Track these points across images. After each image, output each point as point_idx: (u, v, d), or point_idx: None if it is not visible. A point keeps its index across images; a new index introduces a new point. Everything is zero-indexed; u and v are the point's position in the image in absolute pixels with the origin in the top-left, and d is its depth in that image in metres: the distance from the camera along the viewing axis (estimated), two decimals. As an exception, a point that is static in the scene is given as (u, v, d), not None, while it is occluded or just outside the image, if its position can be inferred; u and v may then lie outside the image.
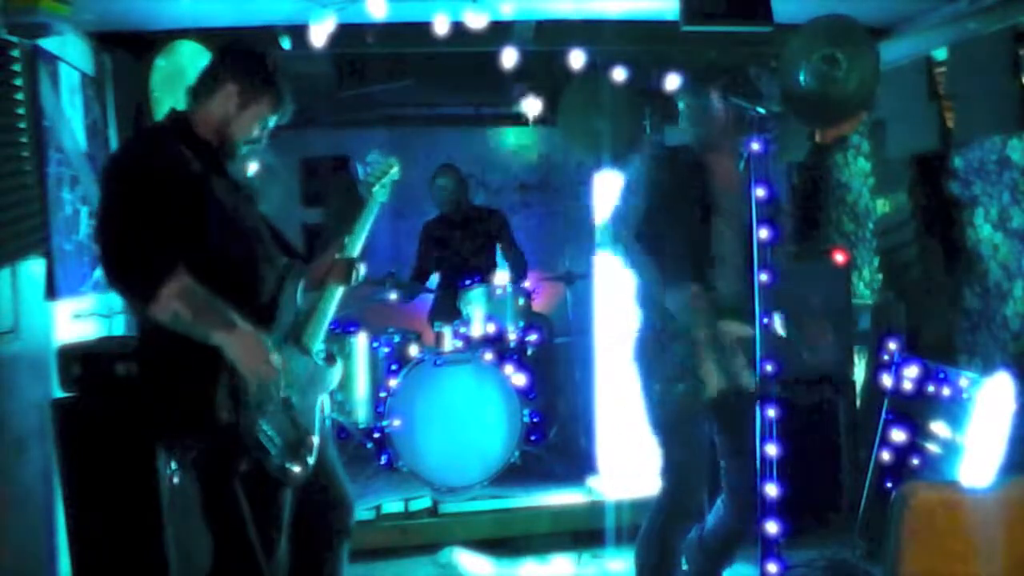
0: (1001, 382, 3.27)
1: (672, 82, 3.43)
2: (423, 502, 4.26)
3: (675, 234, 2.85)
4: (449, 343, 4.61)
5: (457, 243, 5.43)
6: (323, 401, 2.59)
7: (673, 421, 2.87)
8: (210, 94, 2.43)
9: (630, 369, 3.00)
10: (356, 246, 2.72)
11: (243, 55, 2.48)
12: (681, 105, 3.04)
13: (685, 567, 3.09)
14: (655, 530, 2.93)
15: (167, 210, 2.22)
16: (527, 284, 5.15)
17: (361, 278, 2.72)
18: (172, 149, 2.32)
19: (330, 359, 2.60)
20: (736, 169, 2.95)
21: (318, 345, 2.56)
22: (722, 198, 2.89)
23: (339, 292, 2.67)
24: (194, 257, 2.23)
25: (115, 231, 2.25)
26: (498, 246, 5.51)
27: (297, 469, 2.34)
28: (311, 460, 2.39)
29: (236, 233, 2.36)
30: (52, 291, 3.35)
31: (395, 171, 2.86)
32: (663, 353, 2.86)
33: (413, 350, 4.76)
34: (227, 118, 2.43)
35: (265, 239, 2.47)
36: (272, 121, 2.50)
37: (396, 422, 4.34)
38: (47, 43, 3.35)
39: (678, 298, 2.79)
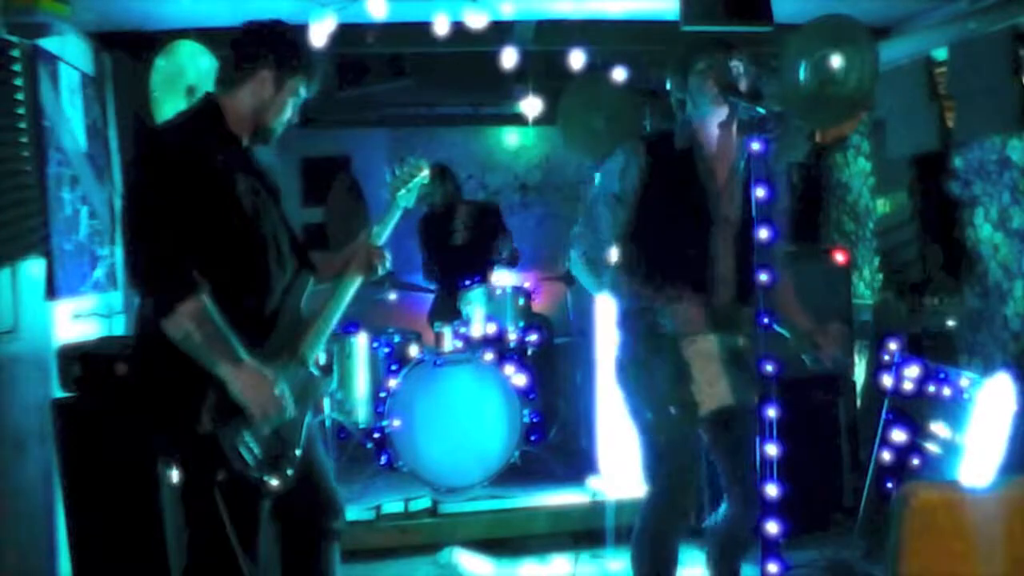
0: (1001, 382, 3.27)
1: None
2: (423, 502, 4.26)
3: (662, 241, 2.74)
4: (449, 343, 4.61)
5: (447, 236, 5.44)
6: (312, 408, 2.53)
7: (665, 436, 2.78)
8: (240, 83, 2.34)
9: (616, 392, 2.90)
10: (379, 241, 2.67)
11: (269, 38, 2.37)
12: (671, 90, 2.86)
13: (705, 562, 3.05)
14: (650, 531, 2.87)
15: (194, 222, 2.17)
16: (527, 284, 5.16)
17: (387, 268, 2.66)
18: (201, 153, 2.24)
19: (326, 369, 2.56)
20: (730, 163, 2.81)
21: (315, 354, 2.49)
22: (711, 196, 2.77)
23: (355, 285, 2.59)
24: (205, 264, 2.19)
25: (140, 238, 2.21)
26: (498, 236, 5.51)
27: (275, 482, 2.31)
28: (290, 472, 2.35)
29: (252, 241, 2.31)
30: (52, 291, 3.35)
31: (424, 175, 2.78)
32: (650, 376, 2.75)
33: (413, 350, 4.77)
34: (262, 105, 2.35)
35: (281, 244, 2.40)
36: (304, 94, 2.43)
37: (396, 422, 4.33)
38: (47, 43, 3.35)
39: (670, 313, 2.69)
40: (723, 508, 2.95)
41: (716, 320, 2.74)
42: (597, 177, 2.94)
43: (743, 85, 2.68)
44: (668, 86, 2.87)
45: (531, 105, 4.64)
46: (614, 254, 2.79)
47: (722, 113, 2.74)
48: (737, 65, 2.71)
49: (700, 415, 2.74)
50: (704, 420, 2.77)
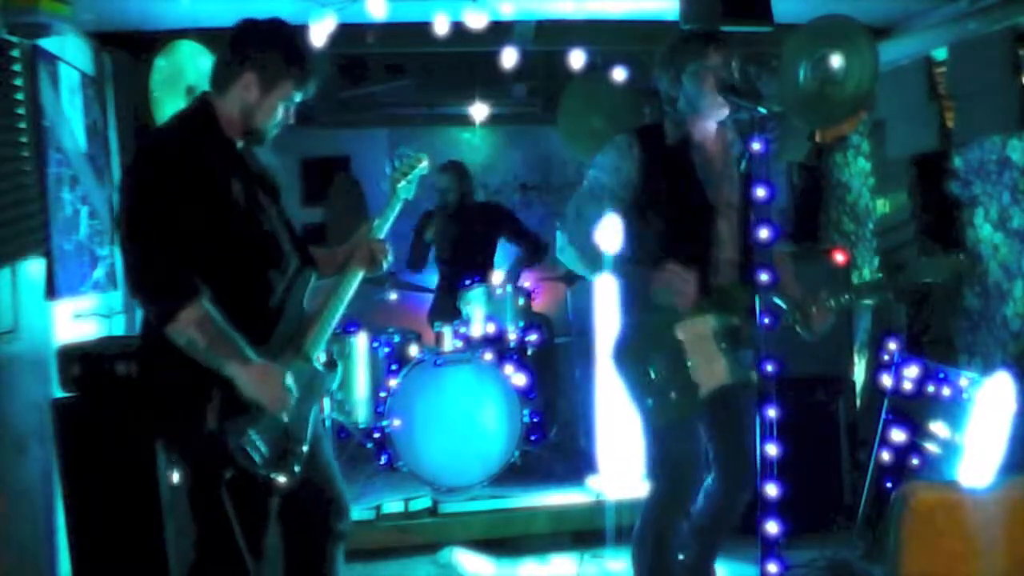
0: (1001, 382, 3.27)
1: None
2: (423, 502, 4.26)
3: (663, 230, 2.78)
4: (449, 343, 4.61)
5: (455, 237, 5.42)
6: (319, 405, 2.54)
7: (668, 423, 2.81)
8: (228, 85, 2.32)
9: (615, 377, 2.92)
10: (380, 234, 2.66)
11: (256, 39, 2.32)
12: (661, 85, 2.88)
13: (680, 557, 3.05)
14: (651, 528, 2.89)
15: (190, 226, 2.17)
16: (527, 284, 5.16)
17: (389, 264, 2.63)
18: (193, 156, 2.23)
19: (330, 364, 2.56)
20: (725, 148, 2.86)
21: (318, 350, 2.49)
22: (710, 183, 2.81)
23: (357, 280, 2.58)
24: (204, 266, 2.19)
25: (137, 246, 2.20)
26: (502, 238, 5.50)
27: (283, 479, 2.31)
28: (297, 469, 2.34)
29: (250, 241, 2.30)
30: (52, 291, 3.35)
31: (423, 166, 2.78)
32: (648, 362, 2.78)
33: (413, 350, 4.76)
34: (249, 108, 2.31)
35: (281, 242, 2.39)
36: (298, 97, 2.38)
37: (396, 422, 4.33)
38: (47, 43, 3.35)
39: (658, 280, 2.70)
40: (710, 484, 2.95)
41: (714, 299, 2.78)
42: (590, 169, 2.95)
43: (737, 82, 2.72)
44: (658, 82, 2.89)
45: (529, 106, 4.65)
46: (602, 240, 2.80)
47: (720, 112, 2.78)
48: (732, 64, 2.75)
49: (701, 396, 2.76)
50: (704, 400, 2.79)
